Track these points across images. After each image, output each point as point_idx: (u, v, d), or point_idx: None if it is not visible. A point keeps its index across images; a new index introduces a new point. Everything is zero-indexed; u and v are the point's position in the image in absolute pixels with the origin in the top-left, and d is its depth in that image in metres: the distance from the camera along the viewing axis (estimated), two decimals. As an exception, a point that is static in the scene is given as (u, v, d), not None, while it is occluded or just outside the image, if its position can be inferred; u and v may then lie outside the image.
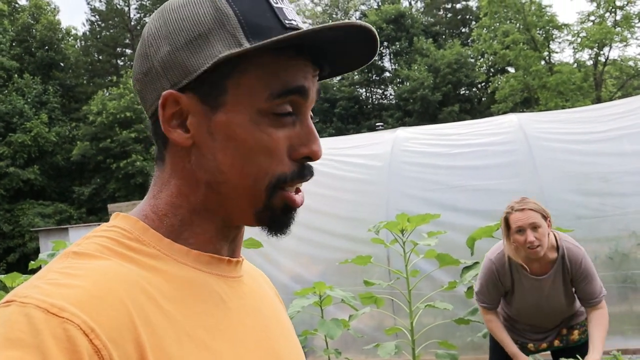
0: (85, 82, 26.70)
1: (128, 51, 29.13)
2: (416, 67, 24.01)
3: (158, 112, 0.58)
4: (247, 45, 0.55)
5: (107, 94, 22.91)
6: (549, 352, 2.75)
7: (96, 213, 21.23)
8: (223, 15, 0.56)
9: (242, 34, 0.56)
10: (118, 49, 28.80)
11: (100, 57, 28.23)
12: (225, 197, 0.59)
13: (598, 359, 2.32)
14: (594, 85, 19.88)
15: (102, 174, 21.69)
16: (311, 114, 0.62)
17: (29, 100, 21.89)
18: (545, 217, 2.43)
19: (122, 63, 28.92)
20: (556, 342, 2.58)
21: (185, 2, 0.58)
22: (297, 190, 0.61)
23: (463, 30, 29.27)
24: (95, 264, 0.52)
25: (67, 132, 22.78)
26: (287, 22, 0.58)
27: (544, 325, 2.64)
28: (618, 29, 18.89)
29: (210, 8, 0.56)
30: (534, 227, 2.38)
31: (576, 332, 2.57)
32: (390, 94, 27.96)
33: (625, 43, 19.45)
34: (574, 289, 2.54)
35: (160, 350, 0.50)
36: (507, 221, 2.49)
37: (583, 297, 2.52)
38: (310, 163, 0.60)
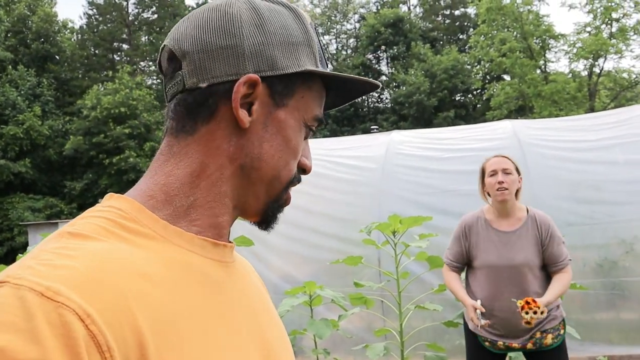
0: (80, 76, 26.56)
1: (125, 46, 29.01)
2: (413, 72, 24.07)
3: (230, 87, 0.60)
4: (321, 68, 0.66)
5: (102, 89, 22.76)
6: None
7: (87, 208, 20.94)
8: (310, 38, 0.66)
9: (318, 58, 0.66)
10: (115, 43, 28.68)
11: (97, 52, 28.09)
12: (251, 182, 0.63)
13: (544, 301, 2.43)
14: (588, 95, 20.00)
15: (94, 169, 21.55)
16: None
17: (22, 92, 21.73)
18: (517, 172, 2.63)
19: (118, 58, 28.80)
20: (529, 345, 2.58)
21: (277, 10, 0.64)
22: None
23: (460, 36, 29.39)
24: (91, 245, 0.51)
25: (60, 126, 22.61)
26: (327, 59, 0.70)
27: (510, 305, 2.56)
28: (613, 40, 19.01)
29: (302, 28, 0.65)
30: (506, 171, 2.58)
31: (550, 336, 2.58)
32: (386, 98, 28.01)
33: (620, 55, 19.57)
34: (542, 256, 2.59)
35: (158, 335, 0.49)
36: (483, 169, 2.70)
37: (550, 261, 2.59)
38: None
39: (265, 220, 0.67)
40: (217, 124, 0.61)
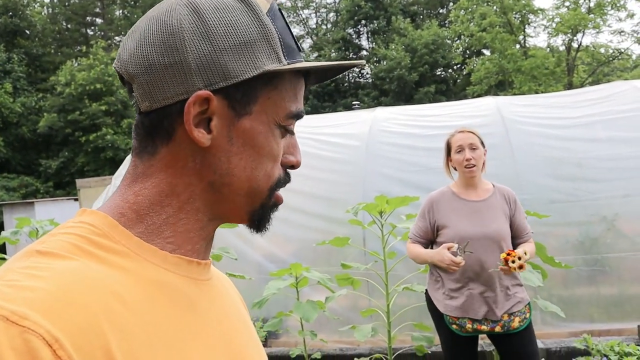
0: (52, 51, 25.76)
1: (98, 20, 28.19)
2: (393, 47, 23.91)
3: (182, 107, 0.56)
4: (285, 62, 0.59)
5: (76, 65, 22.12)
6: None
7: (64, 187, 20.71)
8: (267, 30, 0.59)
9: (281, 51, 0.59)
10: (88, 17, 27.83)
11: (69, 26, 27.23)
12: (224, 197, 0.60)
13: (520, 250, 2.50)
14: (567, 70, 20.17)
15: (70, 147, 21.08)
16: None
17: (-8, 68, 21.03)
18: (482, 145, 2.65)
19: (92, 33, 27.98)
20: (497, 328, 2.60)
21: (224, 6, 0.58)
22: None
23: (441, 11, 29.22)
24: (61, 265, 0.49)
25: (33, 103, 21.96)
26: (299, 44, 0.63)
27: (485, 276, 2.57)
28: (591, 15, 19.12)
29: (254, 20, 0.58)
30: (472, 147, 2.60)
31: (517, 319, 2.60)
32: (367, 73, 27.85)
33: (597, 30, 19.74)
34: (511, 228, 2.66)
35: (131, 355, 0.48)
36: (448, 144, 2.70)
37: (517, 233, 2.67)
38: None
39: (254, 225, 0.65)
40: (178, 145, 0.58)
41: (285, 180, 0.65)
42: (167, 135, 0.58)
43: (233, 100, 0.58)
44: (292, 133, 0.64)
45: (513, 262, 2.44)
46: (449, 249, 2.52)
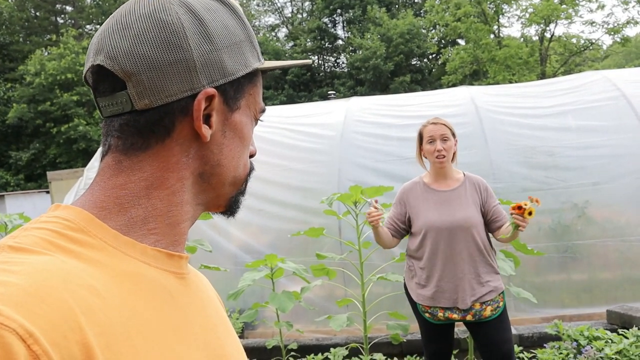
0: (20, 39, 25.04)
1: (69, 8, 27.47)
2: (369, 36, 23.89)
3: (186, 103, 0.58)
4: (263, 62, 0.66)
5: (46, 54, 21.54)
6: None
7: (35, 180, 20.26)
8: (250, 32, 0.65)
9: (259, 51, 0.66)
10: (58, 5, 27.09)
11: (38, 14, 26.47)
12: (211, 187, 0.64)
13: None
14: (540, 60, 20.45)
15: (41, 139, 20.60)
16: None
17: (-43, 57, 20.34)
18: (453, 136, 2.71)
19: (62, 21, 27.26)
20: (469, 317, 2.63)
21: (213, 7, 0.61)
22: None
23: (416, 0, 29.28)
24: (34, 260, 0.48)
25: (1, 93, 21.38)
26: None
27: (455, 265, 2.61)
28: (564, 6, 19.38)
29: (240, 23, 0.63)
30: (444, 138, 2.65)
31: (489, 308, 2.63)
32: (343, 62, 27.80)
33: (569, 20, 20.02)
34: (485, 215, 2.67)
35: (110, 349, 0.47)
36: (420, 134, 2.74)
37: (494, 216, 2.67)
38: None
39: (230, 210, 0.68)
40: (175, 141, 0.59)
41: (252, 168, 0.70)
42: (165, 132, 0.58)
43: (227, 97, 0.61)
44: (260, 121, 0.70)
45: (525, 204, 2.36)
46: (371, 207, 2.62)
